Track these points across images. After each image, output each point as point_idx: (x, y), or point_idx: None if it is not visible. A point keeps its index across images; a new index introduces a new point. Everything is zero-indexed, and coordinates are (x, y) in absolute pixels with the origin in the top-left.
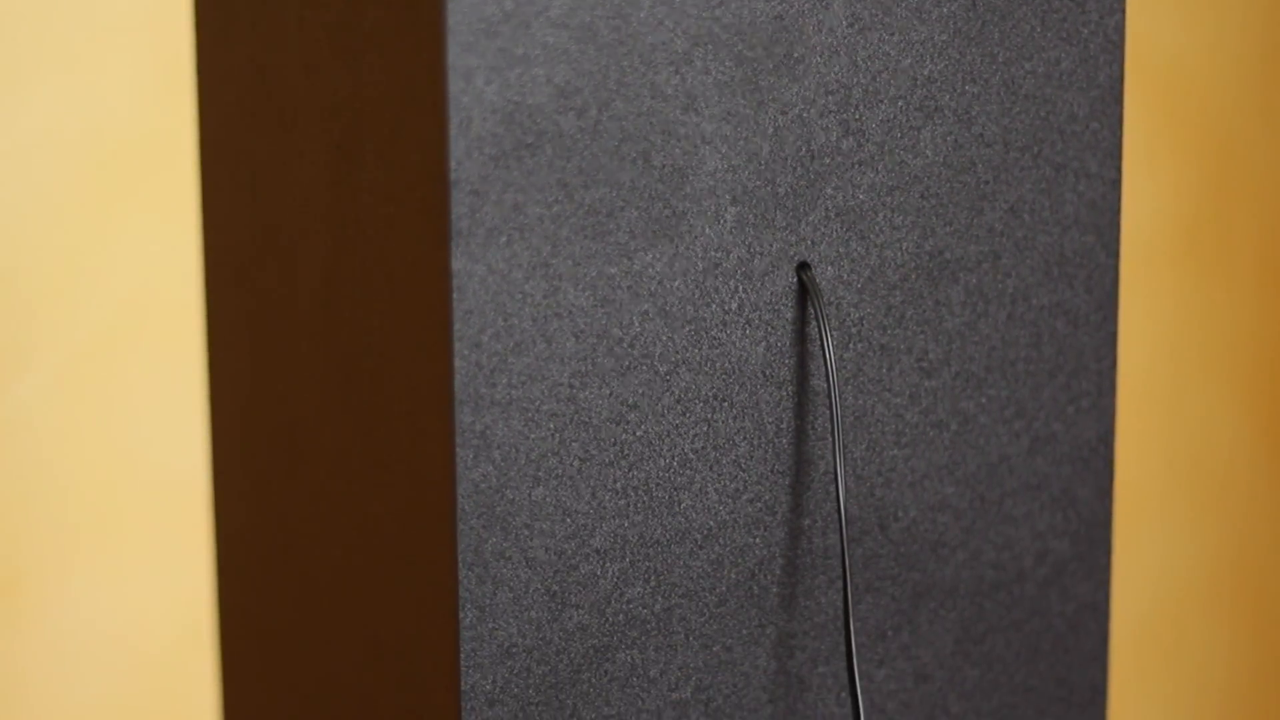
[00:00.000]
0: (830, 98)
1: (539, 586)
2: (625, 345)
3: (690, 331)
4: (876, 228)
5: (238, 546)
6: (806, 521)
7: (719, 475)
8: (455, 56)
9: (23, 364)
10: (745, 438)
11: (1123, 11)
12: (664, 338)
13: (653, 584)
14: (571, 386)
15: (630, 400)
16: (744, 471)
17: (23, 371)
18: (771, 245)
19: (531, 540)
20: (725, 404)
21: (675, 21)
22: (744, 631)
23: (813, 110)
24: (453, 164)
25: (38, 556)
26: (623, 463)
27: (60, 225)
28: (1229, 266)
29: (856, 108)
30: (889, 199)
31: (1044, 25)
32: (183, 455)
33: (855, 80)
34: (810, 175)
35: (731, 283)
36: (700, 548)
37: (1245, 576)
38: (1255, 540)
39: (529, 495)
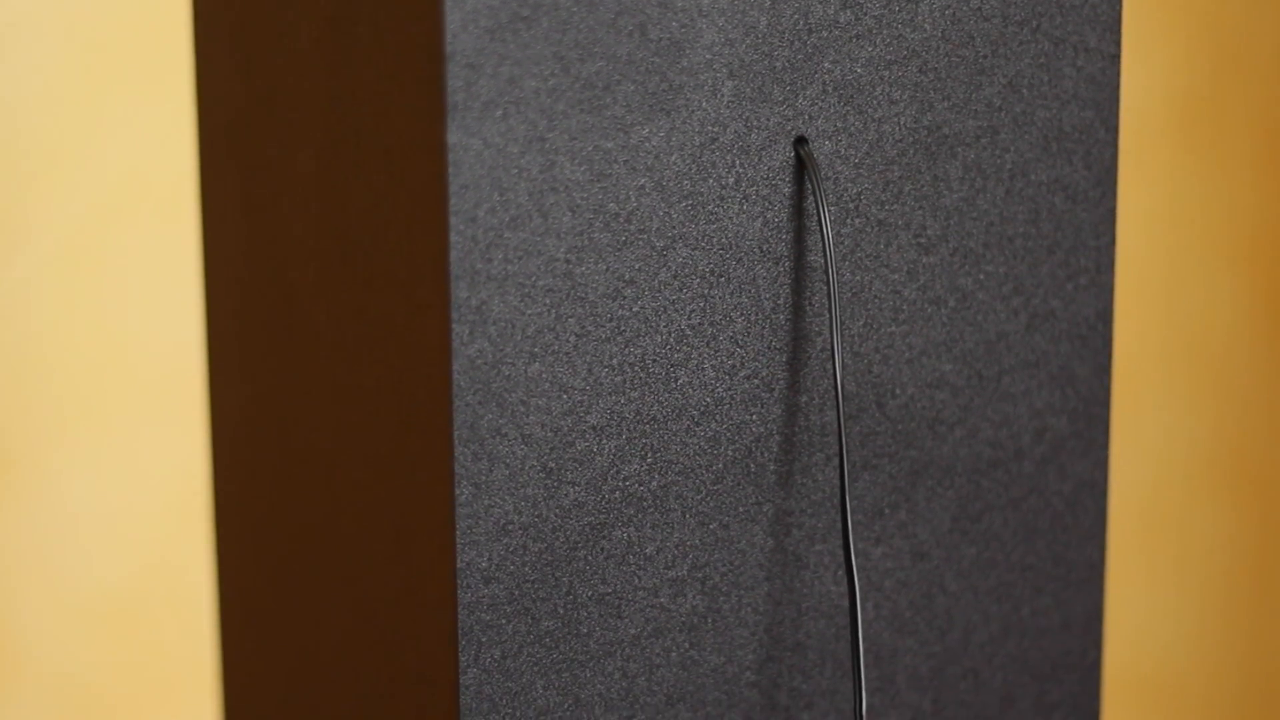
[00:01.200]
0: None
1: (535, 463)
2: (621, 220)
3: (687, 206)
4: (874, 102)
5: (233, 424)
6: (804, 398)
7: (715, 352)
8: None
9: (18, 242)
10: (742, 314)
11: None
12: (660, 212)
13: (649, 461)
14: (568, 262)
15: (626, 276)
16: (741, 348)
17: (18, 250)
18: (769, 119)
19: (527, 417)
20: (722, 280)
21: None
22: (740, 509)
23: None
24: (448, 37)
25: (32, 434)
26: (619, 339)
27: (57, 105)
28: (1225, 146)
29: None
30: (887, 73)
31: None
32: (178, 332)
33: None
34: (808, 49)
35: (728, 157)
36: (697, 424)
37: (1245, 454)
38: (1254, 418)
39: (525, 371)
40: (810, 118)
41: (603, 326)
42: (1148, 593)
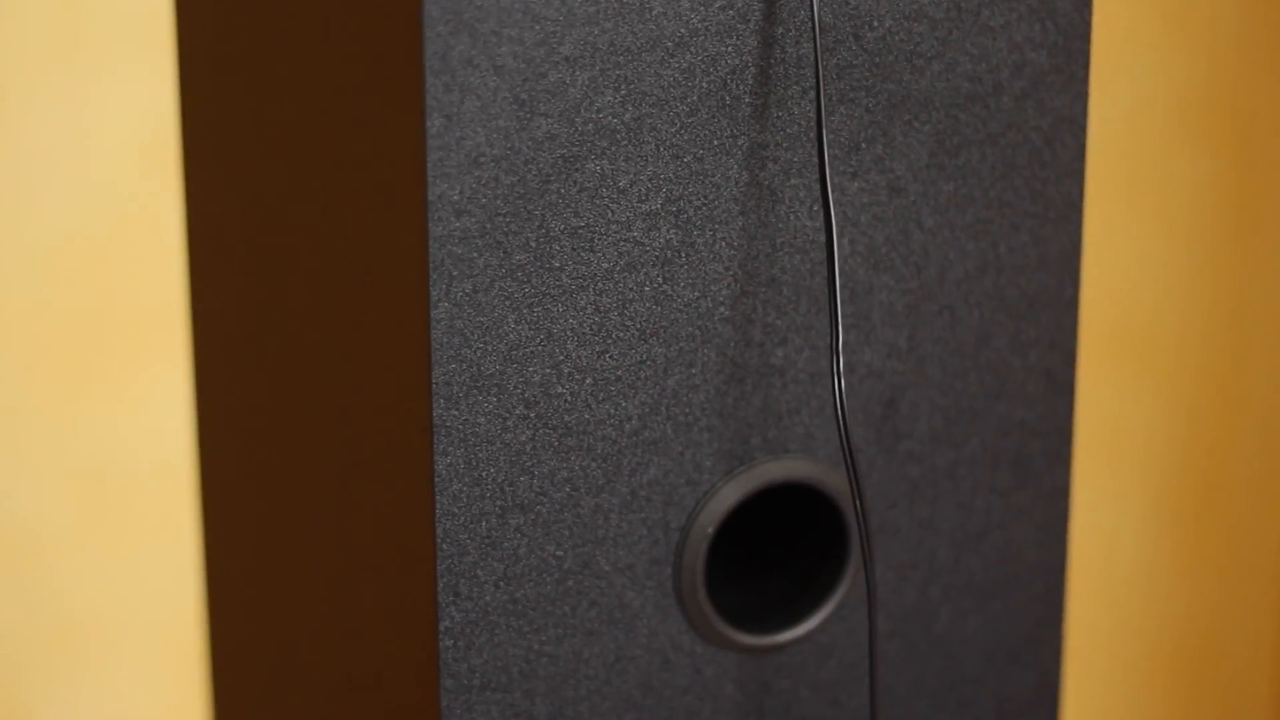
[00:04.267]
0: None
1: (507, 94)
2: None
3: None
4: None
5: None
6: (780, 30)
7: None
8: None
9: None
10: None
11: None
12: None
13: (623, 92)
14: None
15: None
16: None
17: None
18: None
19: (499, 47)
20: None
21: None
22: (715, 142)
23: None
24: None
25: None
26: None
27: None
28: None
29: None
30: None
31: None
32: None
33: None
34: None
35: None
36: (671, 55)
37: (1221, 98)
38: (1230, 61)
39: (497, 1)
40: None
41: None
42: (1125, 236)
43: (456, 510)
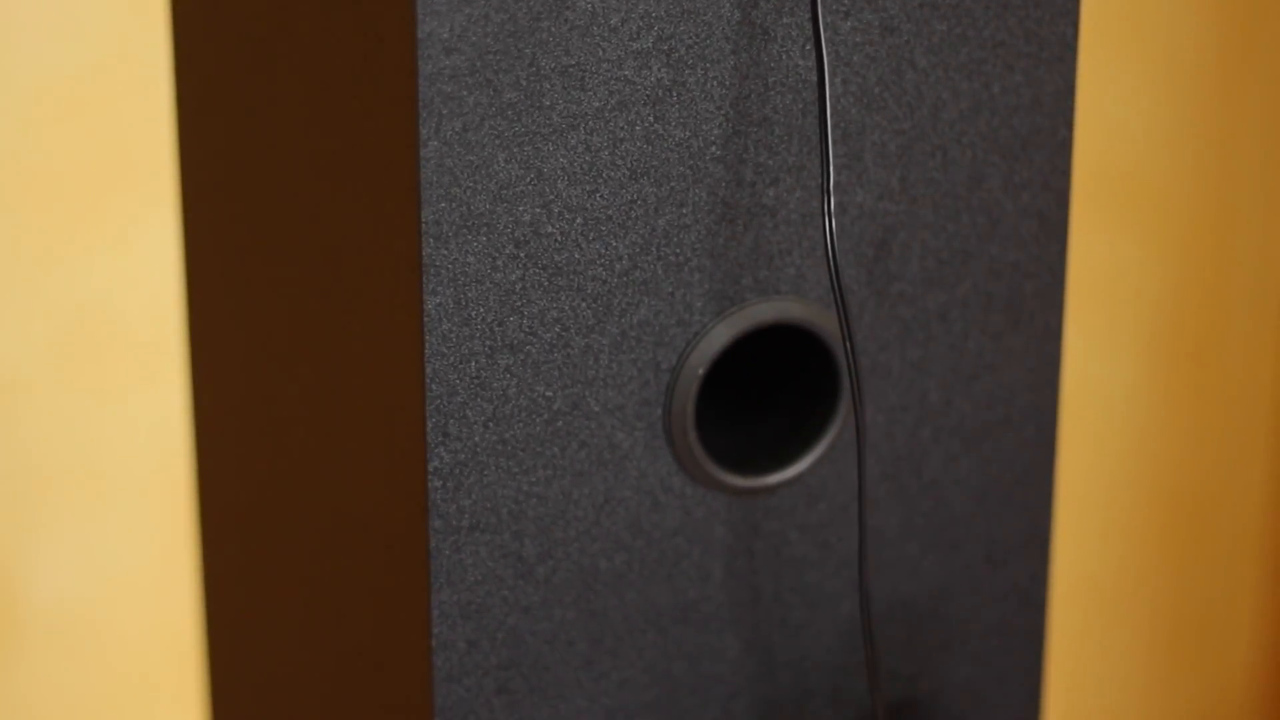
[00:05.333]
0: None
1: None
2: None
3: None
4: None
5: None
6: None
7: None
8: None
9: None
10: None
11: None
12: None
13: None
14: None
15: None
16: None
17: None
18: None
19: None
20: None
21: None
22: None
23: None
24: None
25: None
26: None
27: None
28: None
29: None
30: None
31: None
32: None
33: None
34: None
35: None
36: None
37: None
38: None
39: None
40: None
41: None
42: (1115, 82)
43: (446, 350)
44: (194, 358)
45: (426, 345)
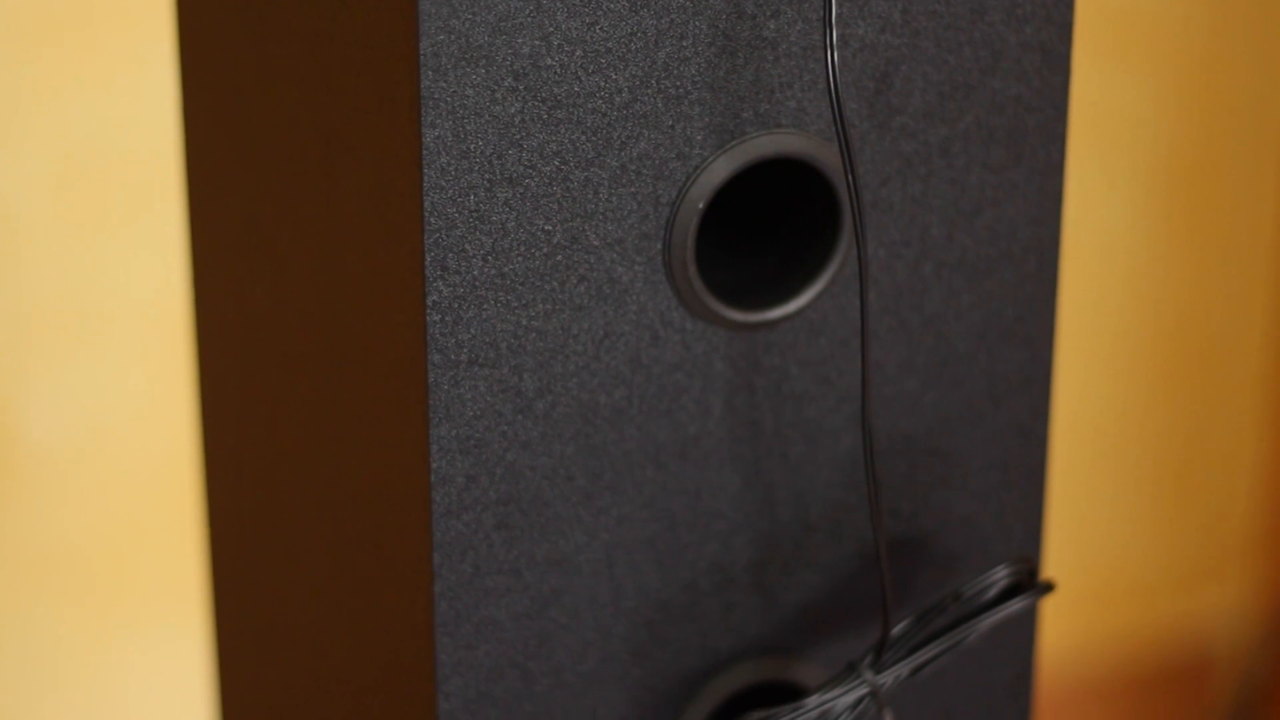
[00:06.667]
0: None
1: None
2: None
3: None
4: None
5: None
6: None
7: None
8: None
9: None
10: None
11: None
12: None
13: None
14: None
15: None
16: None
17: None
18: None
19: None
20: None
21: None
22: None
23: None
24: None
25: None
26: None
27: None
28: None
29: None
30: None
31: None
32: None
33: None
34: None
35: None
36: None
37: None
38: None
39: None
40: None
41: None
42: None
43: (444, 184)
44: (191, 194)
45: (425, 179)
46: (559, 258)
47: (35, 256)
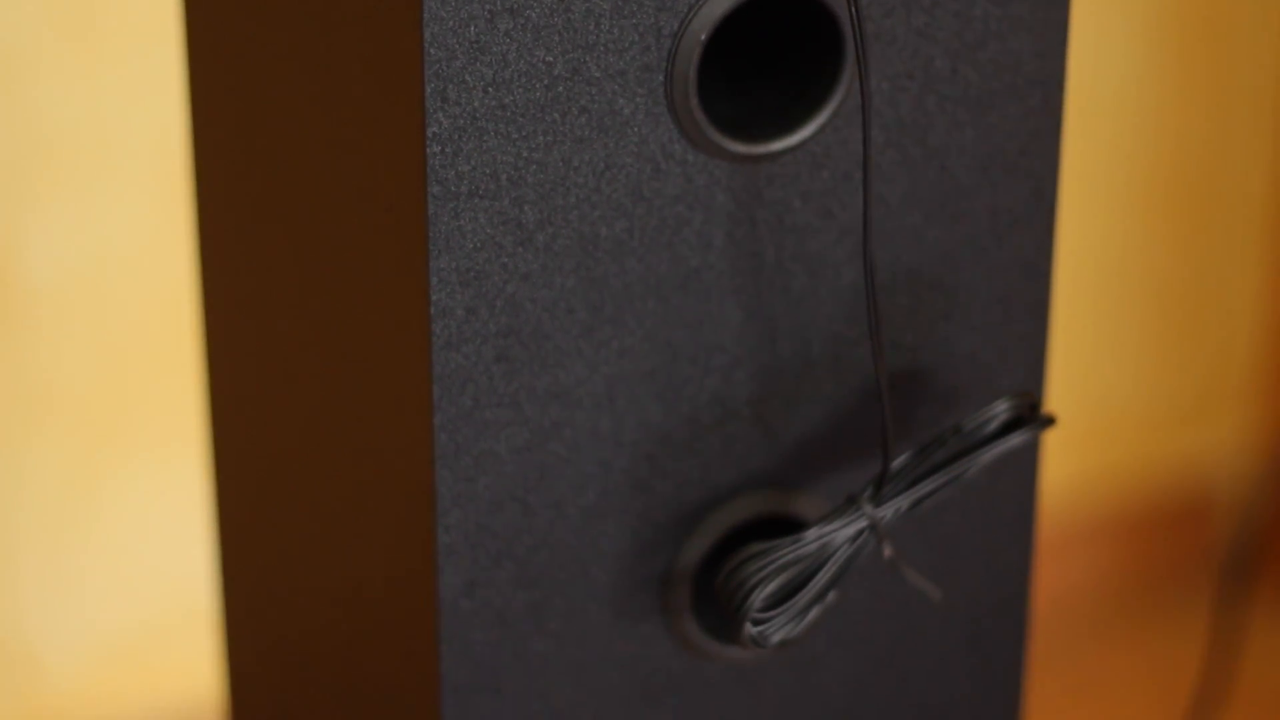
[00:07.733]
0: None
1: None
2: None
3: None
4: None
5: None
6: None
7: None
8: None
9: None
10: None
11: None
12: None
13: None
14: None
15: None
16: None
17: None
18: None
19: None
20: None
21: None
22: None
23: None
24: None
25: None
26: None
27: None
28: None
29: None
30: None
31: None
32: None
33: None
34: None
35: None
36: None
37: None
38: None
39: None
40: None
41: None
42: None
43: (444, 14)
44: (189, 32)
45: (424, 8)
46: (560, 89)
47: (33, 95)
